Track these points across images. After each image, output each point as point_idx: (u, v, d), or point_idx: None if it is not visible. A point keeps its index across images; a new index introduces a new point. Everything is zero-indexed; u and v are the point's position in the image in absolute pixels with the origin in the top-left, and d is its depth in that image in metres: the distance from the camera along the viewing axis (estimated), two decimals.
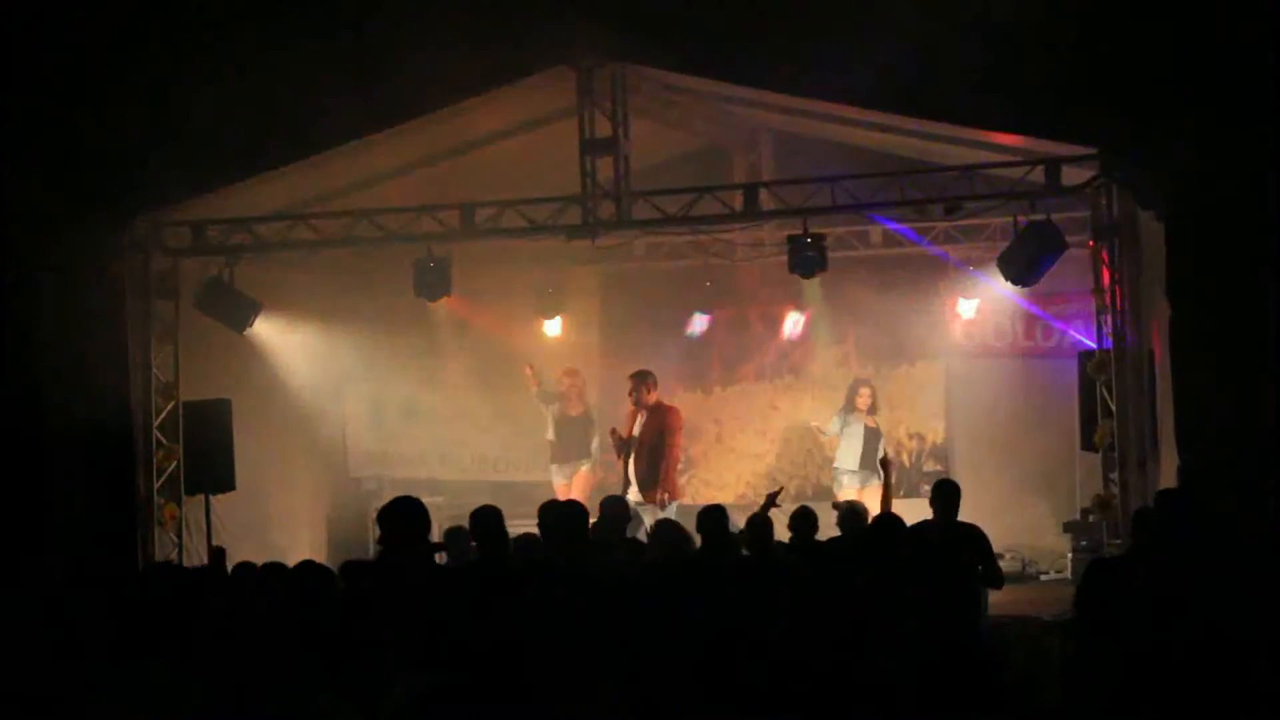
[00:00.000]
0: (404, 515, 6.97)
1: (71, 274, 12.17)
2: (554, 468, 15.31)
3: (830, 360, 16.60)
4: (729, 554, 8.73)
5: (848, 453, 15.02)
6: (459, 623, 6.74)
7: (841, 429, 15.07)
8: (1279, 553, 8.93)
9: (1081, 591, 7.39)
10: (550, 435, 15.40)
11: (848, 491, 14.61)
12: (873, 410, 15.08)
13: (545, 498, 12.70)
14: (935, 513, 10.09)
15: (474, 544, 8.54)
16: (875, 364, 16.47)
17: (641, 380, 14.06)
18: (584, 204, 12.89)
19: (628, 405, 14.07)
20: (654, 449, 13.74)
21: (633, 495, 13.52)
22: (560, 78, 12.61)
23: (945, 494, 10.13)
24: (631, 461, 13.80)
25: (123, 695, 5.98)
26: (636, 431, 13.88)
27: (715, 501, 13.27)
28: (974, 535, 9.71)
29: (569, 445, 15.26)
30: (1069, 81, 10.78)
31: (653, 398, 13.96)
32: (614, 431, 13.94)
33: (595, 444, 15.24)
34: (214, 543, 13.65)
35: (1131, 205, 12.07)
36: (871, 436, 14.98)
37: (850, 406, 15.06)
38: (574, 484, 14.93)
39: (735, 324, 17.03)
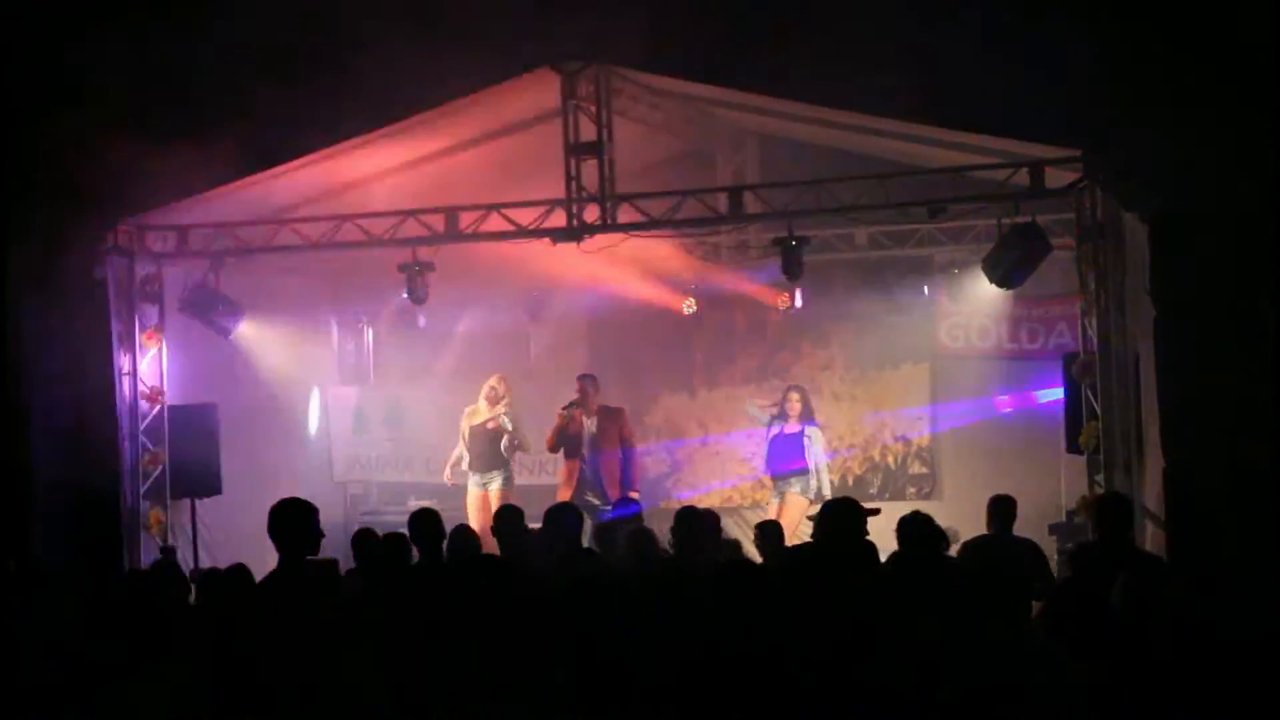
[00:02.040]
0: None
1: (56, 278, 12.14)
2: (472, 477, 14.81)
3: (815, 363, 16.60)
4: (702, 558, 8.77)
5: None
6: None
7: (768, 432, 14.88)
8: (1265, 554, 8.96)
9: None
10: (461, 449, 14.95)
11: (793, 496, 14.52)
12: (805, 416, 14.69)
13: (534, 500, 12.74)
14: (991, 527, 10.27)
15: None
16: (860, 366, 16.50)
17: (595, 383, 14.39)
18: (569, 207, 12.89)
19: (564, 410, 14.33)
20: (623, 449, 14.18)
21: (593, 497, 13.67)
22: (544, 81, 12.61)
23: (1000, 509, 10.30)
24: (591, 463, 14.07)
25: (117, 702, 5.97)
26: (589, 435, 14.15)
27: (702, 505, 13.31)
28: (1030, 549, 9.85)
29: (482, 454, 14.78)
30: (1053, 84, 10.80)
31: (598, 400, 14.33)
32: (569, 421, 14.15)
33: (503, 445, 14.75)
34: (198, 549, 13.64)
35: (1115, 207, 12.09)
36: (782, 442, 14.64)
37: (783, 414, 14.77)
38: (493, 501, 14.22)
39: (720, 327, 17.02)
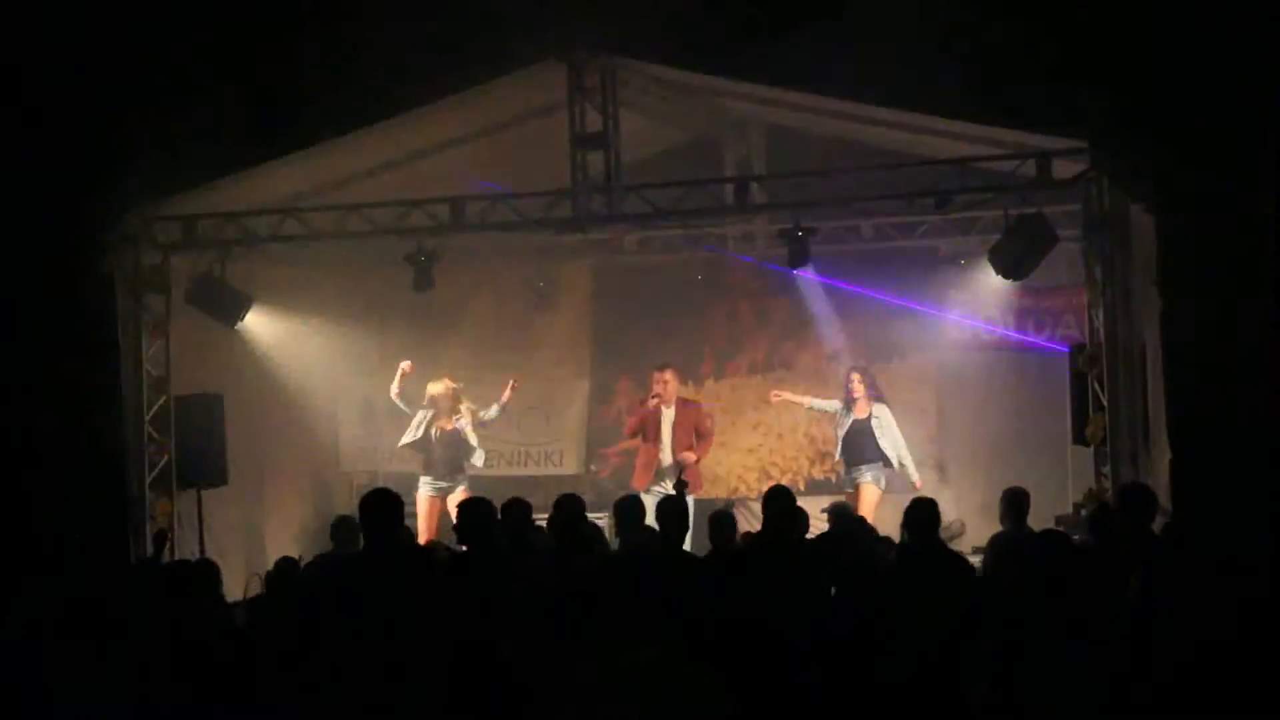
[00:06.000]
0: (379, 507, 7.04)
1: (62, 269, 12.14)
2: (424, 479, 14.59)
3: (822, 354, 16.57)
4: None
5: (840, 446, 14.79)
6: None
7: (838, 421, 14.70)
8: (1272, 545, 8.93)
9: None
10: (408, 440, 14.68)
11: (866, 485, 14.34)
12: (873, 397, 14.54)
13: (539, 492, 12.75)
14: (1005, 521, 10.30)
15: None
16: (866, 358, 16.43)
17: (673, 372, 14.54)
18: (575, 198, 12.88)
19: (640, 399, 14.62)
20: (698, 440, 14.37)
21: (664, 486, 13.72)
22: (550, 71, 12.60)
23: (1014, 502, 10.37)
24: (668, 453, 14.18)
25: (70, 695, 6.00)
26: (667, 424, 14.30)
27: (709, 496, 13.37)
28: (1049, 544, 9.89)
29: (445, 460, 14.58)
30: (1060, 75, 10.78)
31: (676, 390, 14.50)
32: (640, 418, 14.34)
33: (469, 461, 14.69)
34: (204, 539, 13.65)
35: (1123, 198, 12.07)
36: (855, 433, 14.48)
37: (849, 400, 14.62)
38: (450, 504, 13.98)
39: (726, 317, 17.00)
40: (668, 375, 14.41)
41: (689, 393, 16.26)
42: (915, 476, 14.19)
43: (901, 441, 14.46)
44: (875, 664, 6.21)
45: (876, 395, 14.59)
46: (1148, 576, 6.72)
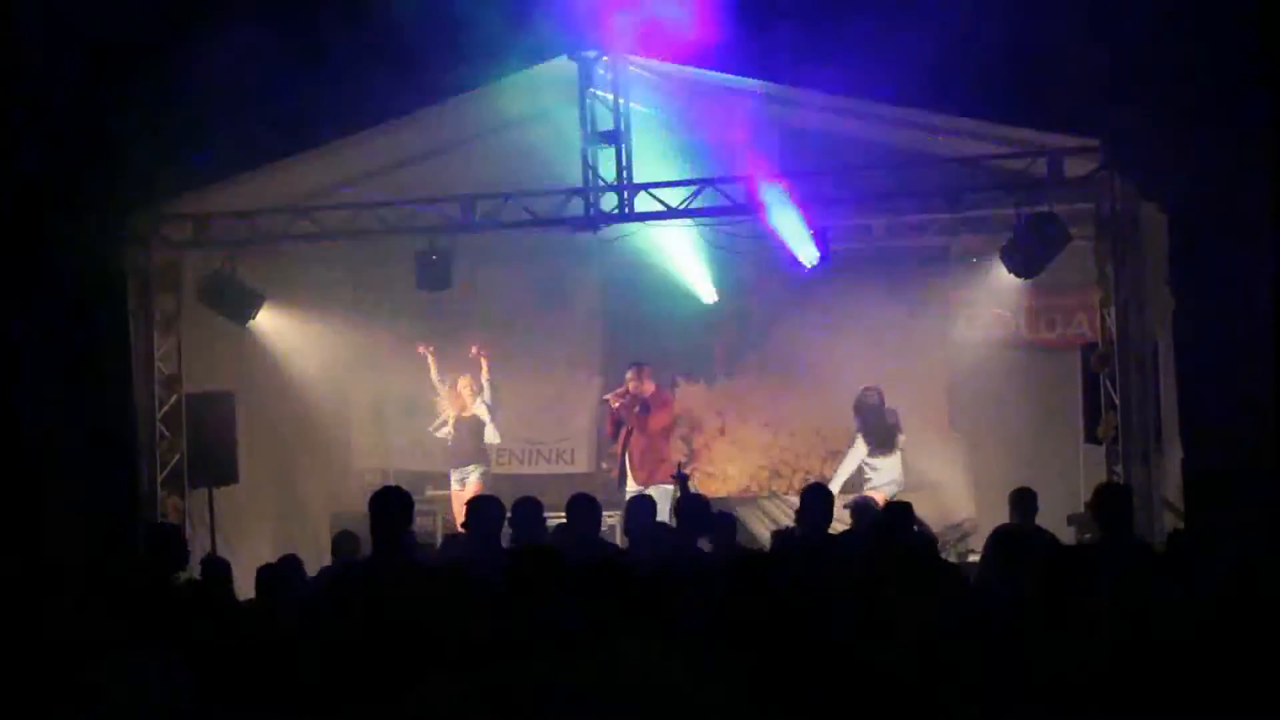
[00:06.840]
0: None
1: (74, 266, 12.16)
2: (452, 472, 15.54)
3: (834, 353, 16.51)
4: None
5: None
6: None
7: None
8: None
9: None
10: (440, 432, 15.68)
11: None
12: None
13: (551, 490, 12.74)
14: (1013, 518, 10.37)
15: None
16: (878, 356, 16.41)
17: (638, 371, 14.61)
18: (586, 196, 12.88)
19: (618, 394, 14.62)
20: (665, 434, 14.60)
21: (632, 485, 13.75)
22: (562, 69, 12.59)
23: (1022, 501, 10.50)
24: (636, 447, 14.33)
25: (117, 690, 5.99)
26: (632, 420, 14.39)
27: (717, 494, 13.32)
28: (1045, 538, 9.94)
29: (462, 446, 15.47)
30: (1072, 73, 10.76)
31: (646, 387, 14.55)
32: (614, 416, 14.52)
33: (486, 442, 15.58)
34: (217, 534, 13.66)
35: (1134, 197, 12.04)
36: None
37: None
38: (468, 491, 14.66)
39: (738, 315, 16.96)
40: (631, 374, 14.59)
41: (699, 390, 16.33)
42: (833, 484, 14.44)
43: (860, 451, 15.02)
44: (874, 662, 6.20)
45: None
46: (1113, 577, 6.73)
